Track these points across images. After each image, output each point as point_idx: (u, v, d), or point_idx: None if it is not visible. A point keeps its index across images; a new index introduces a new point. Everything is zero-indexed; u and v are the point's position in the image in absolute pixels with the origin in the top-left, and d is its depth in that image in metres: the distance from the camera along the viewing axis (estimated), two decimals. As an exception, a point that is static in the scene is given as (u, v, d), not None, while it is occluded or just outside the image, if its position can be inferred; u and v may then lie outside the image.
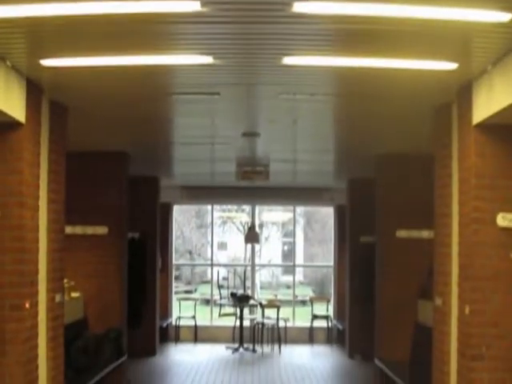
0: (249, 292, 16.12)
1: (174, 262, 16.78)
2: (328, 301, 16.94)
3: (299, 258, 28.40)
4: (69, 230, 8.27)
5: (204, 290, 25.43)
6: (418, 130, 7.97)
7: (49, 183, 6.46)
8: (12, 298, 5.83)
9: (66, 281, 7.74)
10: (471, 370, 5.84)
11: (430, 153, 7.19)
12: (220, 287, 17.76)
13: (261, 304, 15.80)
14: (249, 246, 18.10)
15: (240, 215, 29.11)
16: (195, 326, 15.77)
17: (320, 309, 16.62)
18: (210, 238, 18.78)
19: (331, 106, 7.51)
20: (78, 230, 9.81)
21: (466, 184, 6.09)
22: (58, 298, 6.70)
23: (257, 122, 8.57)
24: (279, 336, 14.78)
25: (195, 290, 27.74)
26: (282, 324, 15.21)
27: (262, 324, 15.05)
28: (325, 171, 13.08)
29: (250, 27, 4.75)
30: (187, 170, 13.29)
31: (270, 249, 31.73)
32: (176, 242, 18.83)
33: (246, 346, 14.36)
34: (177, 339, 15.53)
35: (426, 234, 9.27)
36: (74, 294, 9.22)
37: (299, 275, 27.84)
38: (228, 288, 19.15)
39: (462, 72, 5.62)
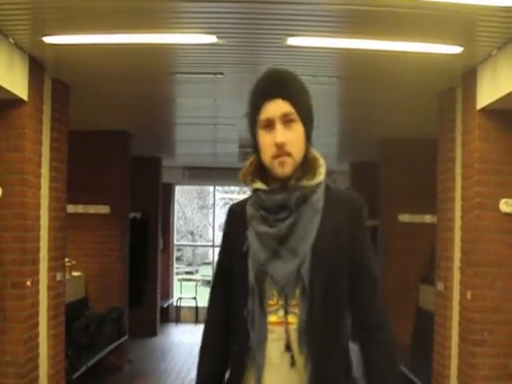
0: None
1: (175, 242, 16.79)
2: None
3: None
4: (71, 208, 8.26)
5: (205, 272, 25.49)
6: (421, 115, 7.93)
7: (51, 161, 6.45)
8: (13, 276, 5.83)
9: (67, 260, 7.74)
10: (472, 355, 5.85)
11: (433, 137, 7.17)
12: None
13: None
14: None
15: (242, 197, 29.08)
16: (196, 307, 15.80)
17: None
18: (211, 220, 18.78)
19: (334, 88, 7.46)
20: (80, 209, 9.80)
21: (469, 169, 6.07)
22: (59, 276, 6.70)
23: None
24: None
25: (196, 271, 27.78)
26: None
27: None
28: (327, 154, 12.82)
29: (255, 7, 4.72)
30: (189, 151, 13.26)
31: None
32: (178, 222, 18.83)
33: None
34: (177, 320, 15.57)
35: (428, 218, 9.25)
36: (76, 273, 9.23)
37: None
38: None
39: (467, 56, 5.59)
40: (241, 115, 8.69)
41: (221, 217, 29.33)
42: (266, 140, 2.35)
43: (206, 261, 27.80)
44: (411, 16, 4.70)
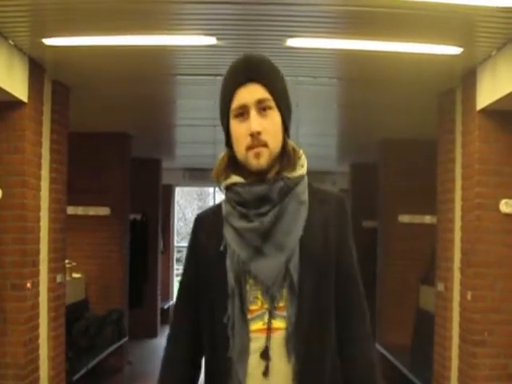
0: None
1: (175, 244, 16.78)
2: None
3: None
4: (71, 210, 8.26)
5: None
6: (421, 116, 7.93)
7: (51, 163, 6.45)
8: (13, 278, 5.83)
9: (67, 261, 7.74)
10: (473, 356, 5.85)
11: (433, 138, 7.17)
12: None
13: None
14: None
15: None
16: (196, 309, 15.77)
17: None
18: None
19: (334, 89, 7.47)
20: (80, 210, 9.79)
21: (469, 169, 6.07)
22: (59, 278, 6.70)
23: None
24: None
25: (196, 273, 27.71)
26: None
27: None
28: (327, 155, 13.05)
29: (254, 8, 4.72)
30: (189, 152, 13.26)
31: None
32: (178, 224, 18.80)
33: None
34: (178, 321, 15.54)
35: (428, 219, 9.25)
36: (76, 275, 9.22)
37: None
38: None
39: (467, 57, 5.59)
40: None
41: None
42: (239, 130, 2.12)
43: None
44: (411, 17, 4.70)
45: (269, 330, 2.08)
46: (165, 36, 5.31)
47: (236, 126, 2.13)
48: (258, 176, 2.13)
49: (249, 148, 2.10)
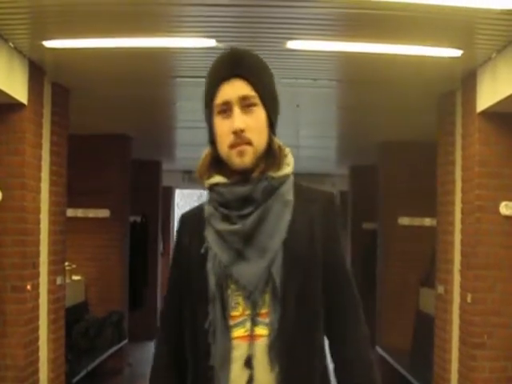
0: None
1: (175, 246, 16.75)
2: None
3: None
4: (70, 212, 8.25)
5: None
6: (421, 118, 7.93)
7: (50, 165, 6.45)
8: (13, 280, 5.83)
9: (67, 263, 7.74)
10: (473, 359, 5.84)
11: (433, 140, 7.17)
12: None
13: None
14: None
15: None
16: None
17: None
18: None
19: (334, 91, 7.47)
20: (80, 212, 9.79)
21: (469, 172, 6.07)
22: (59, 280, 6.70)
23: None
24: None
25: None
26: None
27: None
28: (327, 157, 13.06)
29: (254, 10, 4.73)
30: (189, 155, 13.21)
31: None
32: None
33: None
34: (177, 323, 15.53)
35: (428, 221, 9.25)
36: (76, 277, 9.22)
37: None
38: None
39: (467, 59, 5.59)
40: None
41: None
42: (222, 127, 2.03)
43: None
44: (411, 19, 4.70)
45: (251, 337, 1.99)
46: (165, 38, 5.31)
47: (219, 123, 2.05)
48: (241, 175, 2.04)
49: (232, 146, 2.02)
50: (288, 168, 2.11)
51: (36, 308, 6.14)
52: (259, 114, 2.05)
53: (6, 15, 4.74)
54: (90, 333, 8.82)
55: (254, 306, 1.99)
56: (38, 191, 6.19)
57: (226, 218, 2.04)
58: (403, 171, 9.77)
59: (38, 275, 6.17)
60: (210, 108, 2.08)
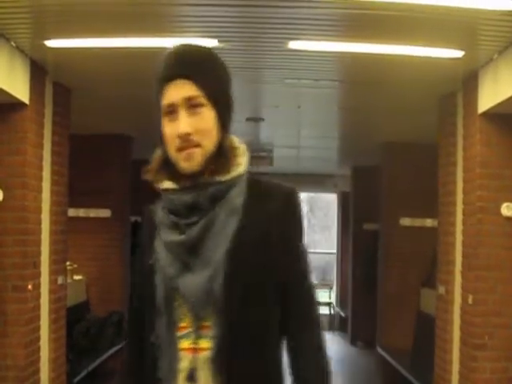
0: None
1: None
2: (330, 288, 16.89)
3: (302, 245, 28.29)
4: (71, 212, 8.25)
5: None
6: (423, 119, 7.93)
7: (52, 165, 6.45)
8: (15, 280, 5.83)
9: (68, 263, 7.73)
10: (473, 359, 5.84)
11: (434, 141, 7.17)
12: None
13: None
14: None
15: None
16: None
17: (322, 296, 16.57)
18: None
19: (336, 92, 7.47)
20: (81, 212, 9.79)
21: (470, 173, 6.06)
22: (60, 280, 6.69)
23: (261, 106, 8.54)
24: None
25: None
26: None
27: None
28: (328, 158, 13.06)
29: (256, 10, 4.73)
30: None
31: (273, 235, 31.69)
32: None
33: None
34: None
35: (429, 222, 9.24)
36: (77, 277, 9.22)
37: (301, 261, 27.70)
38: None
39: (468, 60, 5.59)
40: (242, 119, 8.75)
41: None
42: (168, 130, 1.95)
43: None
44: (412, 20, 4.70)
45: (195, 350, 1.92)
46: (166, 38, 5.31)
47: (166, 126, 1.97)
48: (190, 179, 1.94)
49: (179, 150, 1.92)
50: (239, 169, 1.98)
51: (37, 308, 6.14)
52: (207, 114, 1.93)
53: (7, 14, 4.74)
54: (91, 332, 8.82)
55: (196, 318, 1.93)
56: (40, 191, 6.19)
57: (176, 226, 1.96)
58: (405, 172, 9.77)
59: (39, 275, 6.17)
60: (159, 108, 1.99)
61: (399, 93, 6.97)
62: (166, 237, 1.97)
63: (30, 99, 5.88)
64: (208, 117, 1.93)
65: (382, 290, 10.18)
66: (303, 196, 25.87)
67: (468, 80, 6.10)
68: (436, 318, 6.92)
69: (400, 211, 9.86)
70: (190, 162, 1.92)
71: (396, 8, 4.45)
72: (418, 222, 9.73)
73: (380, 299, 10.23)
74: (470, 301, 5.93)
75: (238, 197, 1.96)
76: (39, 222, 6.20)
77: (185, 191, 1.94)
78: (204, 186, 1.93)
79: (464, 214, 6.22)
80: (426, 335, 7.83)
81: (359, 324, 12.99)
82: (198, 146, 1.91)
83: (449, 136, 6.62)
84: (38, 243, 6.17)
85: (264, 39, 5.44)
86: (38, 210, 6.18)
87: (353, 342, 13.28)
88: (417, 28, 4.90)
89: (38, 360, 6.16)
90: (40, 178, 6.20)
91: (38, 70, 6.05)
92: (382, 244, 10.27)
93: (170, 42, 5.34)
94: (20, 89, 5.69)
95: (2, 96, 5.51)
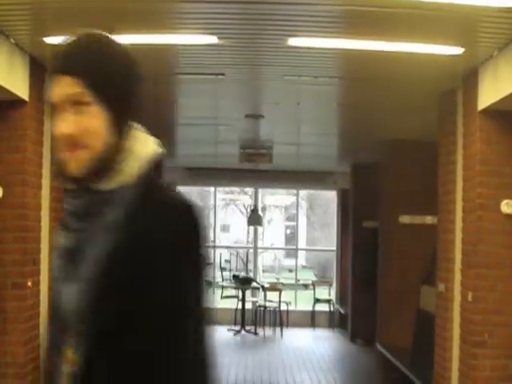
0: (251, 275, 16.10)
1: (176, 243, 16.70)
2: (330, 285, 16.88)
3: (302, 242, 28.36)
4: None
5: (206, 272, 25.41)
6: (422, 116, 7.93)
7: (51, 162, 6.44)
8: (14, 277, 5.83)
9: (67, 260, 7.73)
10: (473, 357, 5.84)
11: (434, 139, 7.16)
12: (222, 269, 17.71)
13: (263, 287, 15.75)
14: (251, 228, 18.07)
15: (243, 197, 29.10)
16: (197, 308, 15.73)
17: (322, 293, 16.58)
18: (212, 220, 18.78)
19: (335, 89, 7.46)
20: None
21: (470, 170, 6.06)
22: (59, 277, 6.68)
23: (260, 103, 8.54)
24: (281, 319, 14.75)
25: (197, 272, 27.69)
26: (284, 307, 15.18)
27: (264, 307, 15.03)
28: (328, 155, 13.06)
29: (256, 7, 4.72)
30: (190, 152, 13.26)
31: (273, 232, 31.78)
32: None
33: (247, 328, 14.36)
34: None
35: (429, 219, 9.24)
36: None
37: (301, 259, 27.79)
38: (230, 270, 19.14)
39: (468, 57, 5.59)
40: (242, 116, 8.75)
41: (222, 218, 29.36)
42: (54, 130, 1.76)
43: (207, 261, 27.74)
44: (412, 17, 4.69)
45: (66, 361, 1.77)
46: (166, 35, 5.31)
47: (52, 124, 1.78)
48: (76, 182, 1.77)
49: (63, 151, 1.75)
50: (121, 178, 1.78)
51: (37, 305, 6.14)
52: (94, 114, 1.73)
53: (7, 11, 4.74)
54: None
55: (66, 332, 1.78)
56: (39, 188, 6.19)
57: (66, 228, 1.82)
58: (405, 169, 9.76)
59: (38, 272, 6.16)
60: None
61: (399, 90, 6.96)
62: (56, 241, 1.85)
63: (30, 96, 5.88)
64: (95, 116, 1.73)
65: (381, 287, 10.18)
66: (303, 193, 25.86)
67: (468, 77, 6.09)
68: (436, 316, 6.92)
69: (400, 209, 9.85)
70: (70, 166, 1.74)
71: (395, 5, 4.45)
72: (417, 220, 9.72)
73: (380, 297, 10.23)
74: (469, 298, 5.93)
75: (115, 211, 1.75)
76: (39, 219, 6.20)
77: (70, 195, 1.80)
78: (83, 194, 1.77)
79: (464, 212, 6.21)
80: (425, 333, 7.83)
81: (359, 321, 12.99)
82: (83, 147, 1.73)
83: (449, 135, 6.61)
84: (38, 240, 6.17)
85: (263, 36, 5.43)
86: (38, 207, 6.17)
87: (352, 339, 13.28)
88: (416, 25, 4.90)
89: (37, 357, 6.16)
90: (40, 175, 6.19)
91: (38, 67, 6.05)
92: (381, 241, 10.27)
93: (169, 39, 5.36)
94: (20, 86, 5.69)
95: (1, 93, 5.50)
